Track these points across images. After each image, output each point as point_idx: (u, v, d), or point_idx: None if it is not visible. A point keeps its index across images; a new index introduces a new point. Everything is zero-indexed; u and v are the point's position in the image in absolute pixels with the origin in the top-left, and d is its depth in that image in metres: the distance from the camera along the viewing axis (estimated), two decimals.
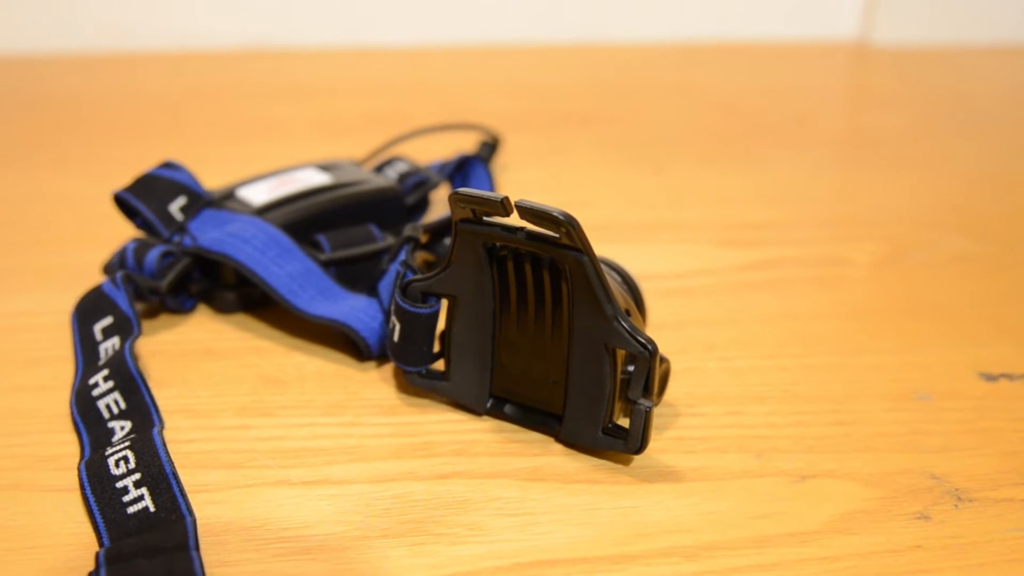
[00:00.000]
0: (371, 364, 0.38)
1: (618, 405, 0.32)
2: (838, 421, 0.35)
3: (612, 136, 0.69)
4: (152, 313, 0.41)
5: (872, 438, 0.34)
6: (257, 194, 0.43)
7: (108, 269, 0.41)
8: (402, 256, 0.38)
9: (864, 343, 0.41)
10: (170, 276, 0.40)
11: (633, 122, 0.73)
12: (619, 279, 0.36)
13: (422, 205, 0.49)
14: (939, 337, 0.41)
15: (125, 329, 0.37)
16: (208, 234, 0.40)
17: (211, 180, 0.46)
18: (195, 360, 0.38)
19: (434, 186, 0.49)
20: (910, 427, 0.35)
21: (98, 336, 0.37)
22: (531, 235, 0.31)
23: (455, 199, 0.31)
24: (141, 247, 0.40)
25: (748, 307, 0.44)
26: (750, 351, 0.40)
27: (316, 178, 0.44)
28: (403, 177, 0.48)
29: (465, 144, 0.59)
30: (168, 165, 0.42)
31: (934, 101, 0.81)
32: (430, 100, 0.76)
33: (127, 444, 0.31)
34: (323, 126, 0.69)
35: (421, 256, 0.41)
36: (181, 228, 0.41)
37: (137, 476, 0.29)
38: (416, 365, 0.35)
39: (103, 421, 0.33)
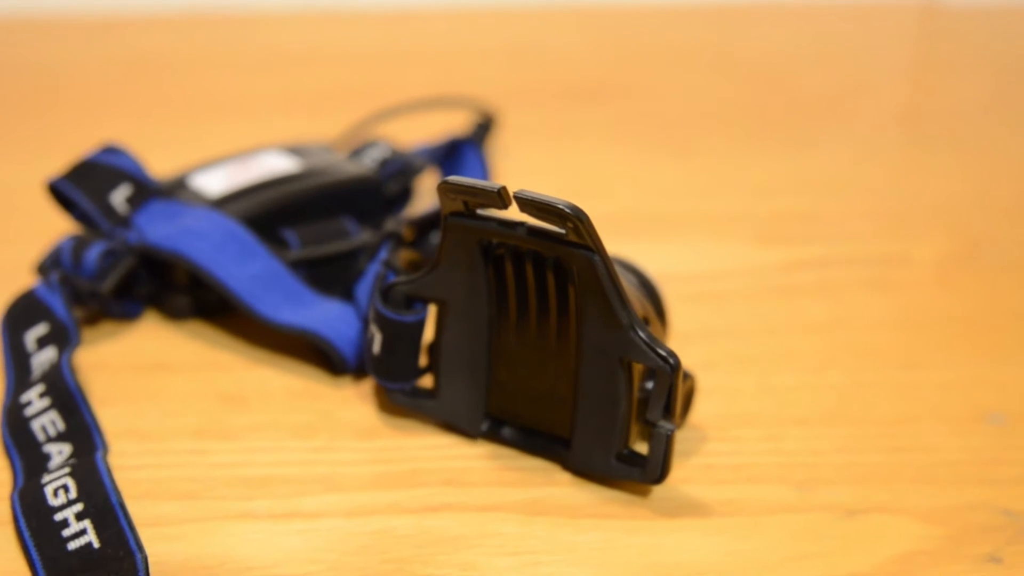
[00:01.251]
0: (347, 380, 0.39)
1: (635, 428, 0.33)
2: (895, 447, 0.36)
3: (630, 113, 0.70)
4: (93, 320, 0.42)
5: (935, 467, 0.35)
6: (213, 182, 0.44)
7: (42, 269, 0.42)
8: (382, 255, 0.39)
9: (927, 356, 0.42)
10: (113, 277, 0.41)
11: (655, 96, 0.74)
12: (636, 282, 0.37)
13: (405, 196, 0.50)
14: (1016, 349, 0.42)
15: (62, 338, 0.38)
16: (156, 229, 0.42)
17: (159, 165, 0.47)
18: (143, 374, 0.39)
19: (418, 172, 0.50)
20: (980, 454, 0.36)
21: (31, 347, 0.38)
22: (533, 231, 0.31)
23: (444, 189, 0.31)
24: (79, 244, 0.41)
25: (789, 314, 0.45)
26: (791, 366, 0.41)
27: (281, 164, 0.46)
28: (383, 163, 0.49)
29: (456, 124, 0.60)
30: (109, 149, 0.44)
31: (1014, 70, 0.81)
32: (414, 71, 0.77)
33: (66, 471, 0.32)
34: (289, 102, 0.70)
35: (405, 255, 0.42)
36: (125, 222, 0.42)
37: (79, 507, 0.30)
38: (399, 381, 0.36)
39: (38, 444, 0.34)
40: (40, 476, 0.32)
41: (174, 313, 0.43)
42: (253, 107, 0.69)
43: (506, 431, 0.35)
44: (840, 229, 0.53)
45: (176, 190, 0.44)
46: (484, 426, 0.35)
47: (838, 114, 0.71)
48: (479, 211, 0.32)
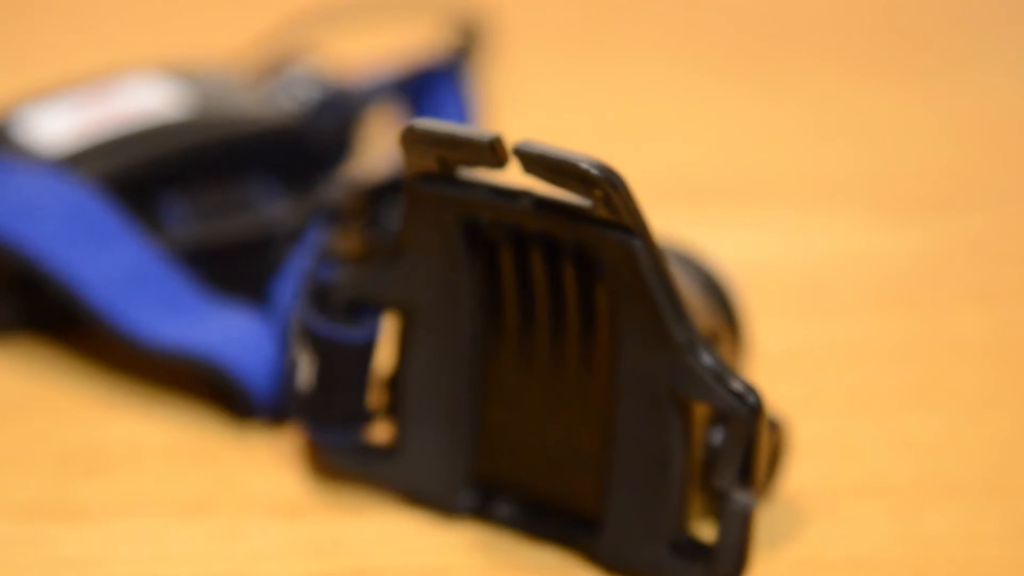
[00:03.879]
0: (257, 430, 0.40)
1: (696, 501, 0.34)
2: None
3: (689, 25, 0.70)
4: None
5: None
6: (55, 128, 0.44)
7: None
8: (312, 238, 0.40)
9: None
10: None
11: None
12: (699, 279, 0.37)
13: (346, 149, 0.50)
14: None
15: None
16: None
17: None
18: None
19: (359, 106, 0.51)
20: None
21: None
22: (542, 203, 0.32)
23: (410, 140, 0.32)
24: None
25: (932, 328, 0.45)
26: (935, 407, 0.41)
27: (159, 98, 0.46)
28: (314, 99, 0.49)
29: (427, 37, 0.60)
30: None
31: None
32: None
33: None
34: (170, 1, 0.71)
35: (347, 239, 0.43)
36: None
37: None
38: (340, 431, 0.36)
39: None
40: None
41: None
42: (114, 6, 0.70)
43: (502, 506, 0.36)
44: (1010, 197, 0.54)
45: None
46: (469, 499, 0.36)
47: (1008, 25, 0.71)
48: (461, 173, 0.33)
